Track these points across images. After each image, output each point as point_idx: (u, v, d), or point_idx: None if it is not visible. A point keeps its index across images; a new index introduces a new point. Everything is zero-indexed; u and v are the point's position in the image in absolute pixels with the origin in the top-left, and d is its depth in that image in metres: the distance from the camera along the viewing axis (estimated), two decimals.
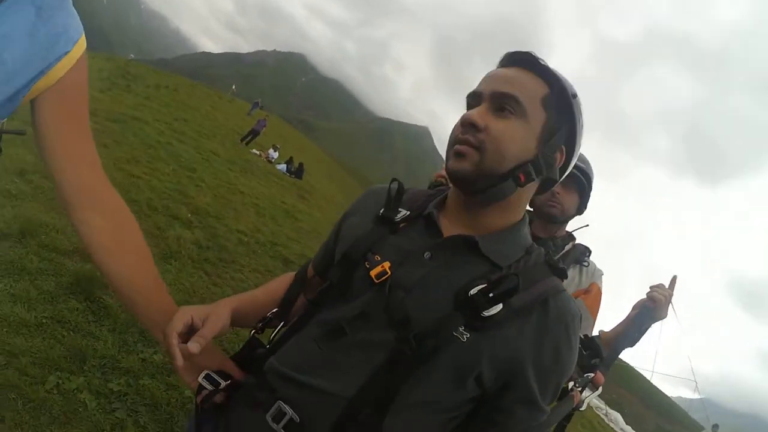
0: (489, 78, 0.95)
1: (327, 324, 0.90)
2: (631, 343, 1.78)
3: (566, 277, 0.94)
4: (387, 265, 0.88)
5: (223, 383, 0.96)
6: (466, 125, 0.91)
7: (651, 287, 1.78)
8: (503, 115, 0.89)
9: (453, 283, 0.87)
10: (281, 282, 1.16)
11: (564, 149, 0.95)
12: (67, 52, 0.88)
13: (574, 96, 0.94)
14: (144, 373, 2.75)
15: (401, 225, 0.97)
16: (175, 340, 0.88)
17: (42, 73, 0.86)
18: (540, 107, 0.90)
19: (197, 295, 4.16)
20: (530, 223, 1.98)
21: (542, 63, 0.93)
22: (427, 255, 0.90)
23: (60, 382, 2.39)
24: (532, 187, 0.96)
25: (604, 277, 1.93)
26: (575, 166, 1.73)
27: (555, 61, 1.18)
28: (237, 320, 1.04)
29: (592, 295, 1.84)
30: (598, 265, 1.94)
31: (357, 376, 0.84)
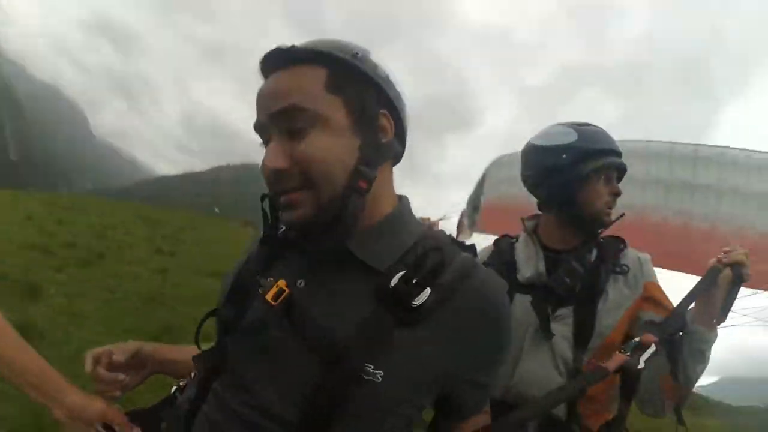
0: (258, 100, 0.76)
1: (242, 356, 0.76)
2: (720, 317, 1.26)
3: (475, 255, 0.80)
4: (282, 283, 0.74)
5: None
6: (272, 175, 0.72)
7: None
8: (300, 133, 0.71)
9: (344, 298, 0.74)
10: None
11: (387, 112, 0.78)
12: None
13: (355, 54, 0.75)
14: None
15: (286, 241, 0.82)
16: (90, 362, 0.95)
17: None
18: (327, 96, 0.72)
19: None
20: (538, 229, 1.52)
21: (298, 49, 0.74)
22: (300, 283, 0.76)
23: None
24: (384, 172, 0.80)
25: (650, 261, 1.43)
26: (617, 158, 1.39)
27: None
28: (166, 366, 1.03)
29: (654, 296, 1.36)
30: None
31: (293, 407, 0.70)
